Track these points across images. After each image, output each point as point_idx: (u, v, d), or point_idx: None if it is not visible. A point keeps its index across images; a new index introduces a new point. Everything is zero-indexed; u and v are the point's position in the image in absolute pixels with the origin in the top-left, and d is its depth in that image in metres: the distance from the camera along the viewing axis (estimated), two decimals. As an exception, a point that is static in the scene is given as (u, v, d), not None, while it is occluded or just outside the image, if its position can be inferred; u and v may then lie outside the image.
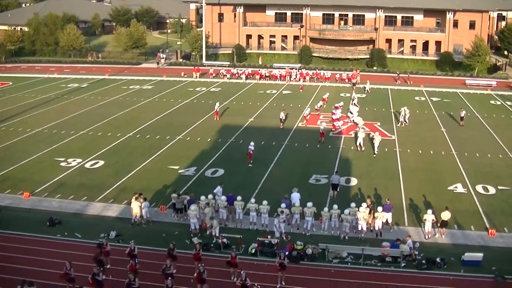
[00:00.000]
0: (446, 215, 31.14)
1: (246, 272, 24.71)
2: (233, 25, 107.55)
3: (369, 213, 31.61)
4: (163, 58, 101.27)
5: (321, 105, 61.51)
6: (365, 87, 74.63)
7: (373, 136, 47.79)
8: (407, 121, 56.16)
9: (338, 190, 37.06)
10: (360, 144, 47.35)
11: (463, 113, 56.96)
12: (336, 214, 31.35)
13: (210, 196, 33.43)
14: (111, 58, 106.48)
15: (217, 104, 59.59)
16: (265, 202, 32.10)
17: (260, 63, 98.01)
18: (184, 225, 32.49)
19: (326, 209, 32.28)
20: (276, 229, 31.00)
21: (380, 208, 31.81)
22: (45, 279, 25.19)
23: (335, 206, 31.79)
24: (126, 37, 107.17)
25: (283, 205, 31.91)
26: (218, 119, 57.47)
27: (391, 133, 53.27)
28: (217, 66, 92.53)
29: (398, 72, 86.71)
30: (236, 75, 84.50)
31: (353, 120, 56.26)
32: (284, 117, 55.75)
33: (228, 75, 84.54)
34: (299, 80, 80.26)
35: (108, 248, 27.45)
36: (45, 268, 27.14)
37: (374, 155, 45.38)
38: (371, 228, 31.74)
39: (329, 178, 38.99)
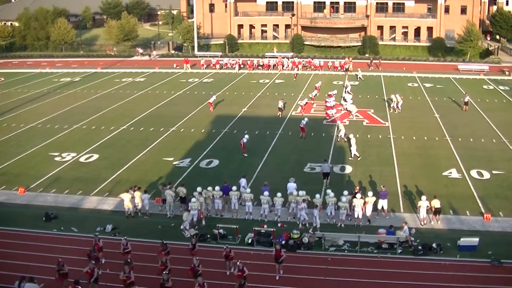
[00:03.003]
0: (435, 203, 31.22)
1: (243, 262, 24.58)
2: (224, 15, 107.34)
3: (360, 199, 31.55)
4: (141, 53, 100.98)
5: (315, 94, 61.69)
6: (357, 75, 74.64)
7: (346, 136, 45.21)
8: (400, 108, 56.14)
9: (328, 178, 37.03)
10: (341, 136, 46.19)
11: (467, 98, 57.15)
12: (332, 202, 31.34)
13: (209, 188, 33.13)
14: (124, 52, 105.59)
15: (214, 97, 59.65)
16: (266, 193, 31.91)
17: (275, 52, 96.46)
18: (180, 217, 32.44)
19: (318, 195, 32.01)
20: (302, 220, 31.02)
21: (370, 193, 31.90)
22: (43, 275, 25.08)
23: (332, 194, 31.69)
24: (117, 29, 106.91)
25: (266, 193, 31.86)
26: (212, 110, 57.39)
27: (384, 120, 53.30)
28: (209, 56, 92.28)
29: (371, 58, 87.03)
30: (228, 65, 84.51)
31: (346, 108, 56.23)
32: (282, 106, 55.71)
33: (217, 66, 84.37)
34: (292, 69, 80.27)
35: (101, 243, 27.19)
36: (42, 263, 27.03)
37: (351, 158, 42.19)
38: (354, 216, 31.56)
39: (323, 166, 38.95)
